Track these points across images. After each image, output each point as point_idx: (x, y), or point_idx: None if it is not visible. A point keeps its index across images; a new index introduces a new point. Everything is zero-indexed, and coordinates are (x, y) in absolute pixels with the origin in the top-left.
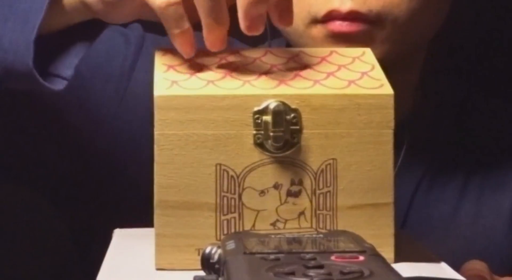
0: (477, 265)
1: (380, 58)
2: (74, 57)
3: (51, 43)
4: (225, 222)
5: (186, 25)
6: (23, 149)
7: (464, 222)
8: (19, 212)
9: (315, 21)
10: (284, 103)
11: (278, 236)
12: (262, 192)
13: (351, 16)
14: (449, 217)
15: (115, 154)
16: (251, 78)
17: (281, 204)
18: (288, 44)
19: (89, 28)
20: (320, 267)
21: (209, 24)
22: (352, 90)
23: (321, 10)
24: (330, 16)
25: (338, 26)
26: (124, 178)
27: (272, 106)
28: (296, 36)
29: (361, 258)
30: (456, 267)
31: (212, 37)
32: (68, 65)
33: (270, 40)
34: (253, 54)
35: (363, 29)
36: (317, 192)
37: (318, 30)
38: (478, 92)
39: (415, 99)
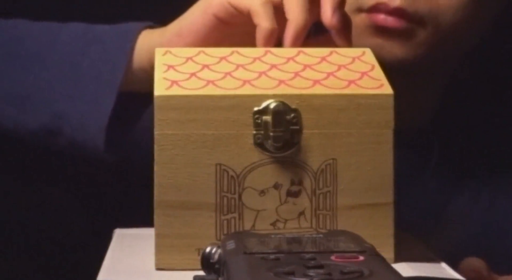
0: (475, 262)
1: (415, 60)
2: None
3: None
4: (225, 222)
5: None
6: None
7: (478, 225)
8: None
9: (360, 10)
10: (284, 103)
11: (278, 236)
12: (262, 192)
13: (397, 12)
14: (463, 220)
15: (142, 153)
16: (251, 78)
17: (281, 204)
18: None
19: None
20: (320, 267)
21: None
22: (352, 90)
23: (370, 0)
24: (377, 8)
25: (383, 19)
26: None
27: (272, 106)
28: None
29: (361, 258)
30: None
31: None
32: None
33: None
34: (253, 54)
35: (405, 27)
36: (317, 192)
37: (361, 19)
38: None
39: (441, 104)
